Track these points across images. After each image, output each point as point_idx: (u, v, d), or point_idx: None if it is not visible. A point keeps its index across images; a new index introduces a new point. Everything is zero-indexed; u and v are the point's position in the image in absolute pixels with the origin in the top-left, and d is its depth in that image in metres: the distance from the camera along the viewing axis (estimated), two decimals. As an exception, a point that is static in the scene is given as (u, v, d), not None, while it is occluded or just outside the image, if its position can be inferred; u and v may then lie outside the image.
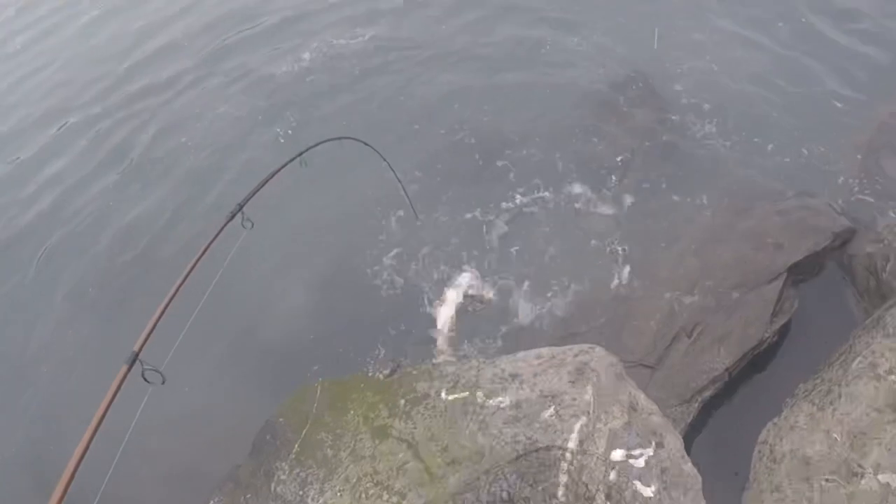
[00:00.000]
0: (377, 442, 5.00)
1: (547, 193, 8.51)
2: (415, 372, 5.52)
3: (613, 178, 8.48)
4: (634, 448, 4.46)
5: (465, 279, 7.74)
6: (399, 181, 7.78)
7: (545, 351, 5.20)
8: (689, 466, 4.53)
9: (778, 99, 9.10)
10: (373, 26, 12.27)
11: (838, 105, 8.85)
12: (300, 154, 5.74)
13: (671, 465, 4.48)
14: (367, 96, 10.65)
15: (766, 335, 6.41)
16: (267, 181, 5.25)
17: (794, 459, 4.73)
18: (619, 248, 7.62)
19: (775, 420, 5.16)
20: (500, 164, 8.99)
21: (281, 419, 5.88)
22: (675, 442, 4.66)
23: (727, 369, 6.23)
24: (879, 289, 6.56)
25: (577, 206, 8.30)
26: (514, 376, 4.97)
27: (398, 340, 7.42)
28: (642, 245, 7.60)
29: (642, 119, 9.12)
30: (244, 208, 4.85)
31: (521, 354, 5.27)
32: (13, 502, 7.16)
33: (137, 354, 3.66)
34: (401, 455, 4.82)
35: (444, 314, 7.52)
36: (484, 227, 8.32)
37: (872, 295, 6.65)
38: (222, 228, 4.68)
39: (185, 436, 7.03)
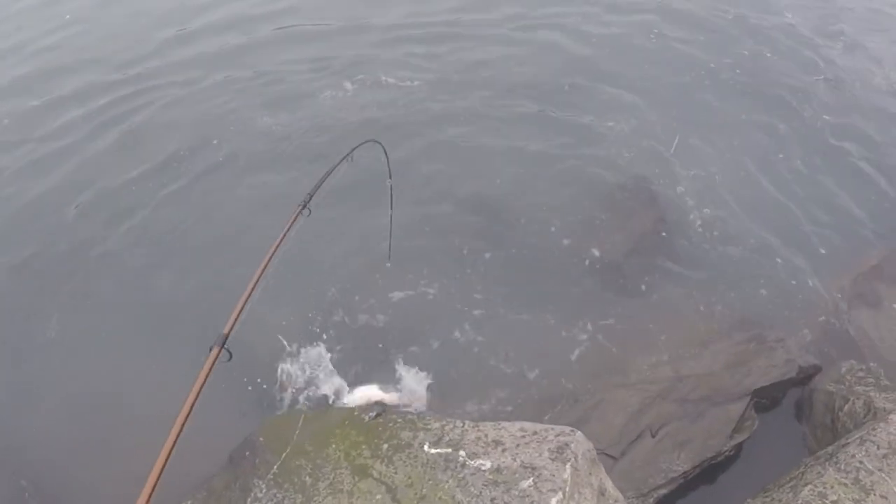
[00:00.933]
0: (357, 479, 5.31)
1: (535, 270, 8.89)
2: (399, 420, 5.87)
3: (603, 268, 8.91)
4: (600, 530, 4.91)
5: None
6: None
7: (528, 425, 5.58)
8: (644, 556, 5.00)
9: (774, 224, 9.69)
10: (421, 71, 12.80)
11: (833, 242, 9.49)
12: (350, 153, 6.48)
13: (629, 552, 4.95)
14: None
15: (725, 448, 6.92)
16: (328, 174, 5.97)
17: (743, 571, 5.21)
18: (599, 340, 8.04)
19: (725, 530, 5.63)
20: (496, 227, 9.44)
21: (261, 438, 6.19)
22: (634, 531, 5.13)
23: (684, 473, 6.70)
24: (833, 426, 7.09)
25: (563, 290, 8.68)
26: (497, 443, 5.35)
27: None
28: (621, 341, 8.02)
29: (644, 216, 9.62)
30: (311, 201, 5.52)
31: (504, 424, 5.64)
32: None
33: (227, 337, 4.07)
34: (379, 496, 5.11)
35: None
36: (466, 289, 8.66)
37: (826, 430, 7.19)
38: (294, 219, 5.28)
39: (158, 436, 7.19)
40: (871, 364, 7.75)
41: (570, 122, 11.44)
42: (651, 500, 6.55)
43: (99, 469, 7.03)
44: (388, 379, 7.52)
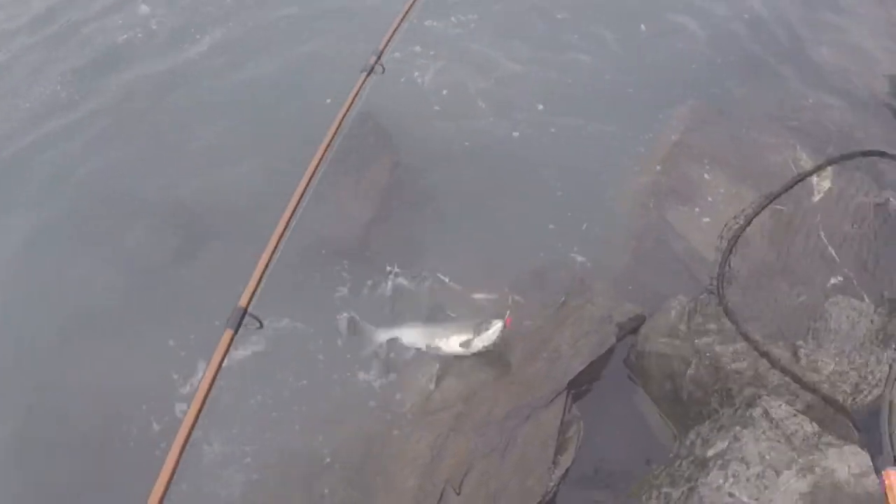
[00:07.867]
0: None
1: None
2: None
3: (337, 256, 7.23)
4: None
5: None
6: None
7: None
8: None
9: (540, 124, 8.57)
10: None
11: (618, 130, 8.43)
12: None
13: None
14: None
15: (551, 484, 5.45)
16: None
17: None
18: (359, 375, 6.35)
19: None
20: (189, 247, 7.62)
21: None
22: None
23: (509, 534, 5.22)
24: (678, 395, 5.84)
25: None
26: None
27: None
28: (385, 363, 6.43)
29: (378, 166, 7.95)
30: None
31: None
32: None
33: (245, 310, 3.79)
34: None
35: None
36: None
37: (672, 402, 5.93)
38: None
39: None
40: (701, 296, 6.37)
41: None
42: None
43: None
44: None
